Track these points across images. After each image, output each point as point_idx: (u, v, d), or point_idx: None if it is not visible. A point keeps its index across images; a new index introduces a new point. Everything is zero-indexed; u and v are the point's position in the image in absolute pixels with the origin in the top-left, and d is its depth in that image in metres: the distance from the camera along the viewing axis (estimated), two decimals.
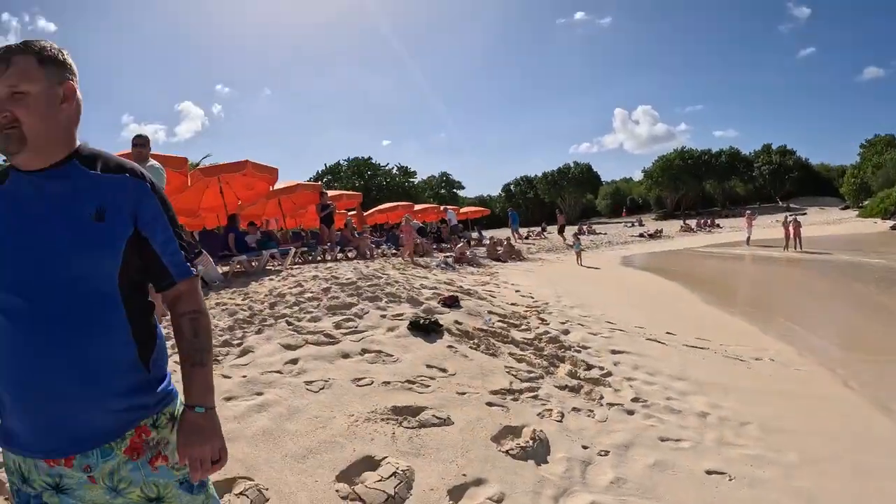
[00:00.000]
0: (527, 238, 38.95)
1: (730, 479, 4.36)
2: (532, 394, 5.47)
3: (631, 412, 5.47)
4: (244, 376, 5.40)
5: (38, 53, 1.74)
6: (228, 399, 4.81)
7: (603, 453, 4.53)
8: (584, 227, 48.95)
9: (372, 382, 5.30)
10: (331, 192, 21.72)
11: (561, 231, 38.60)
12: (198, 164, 35.30)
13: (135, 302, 1.83)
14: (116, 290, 1.78)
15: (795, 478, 4.52)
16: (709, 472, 4.45)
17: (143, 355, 1.81)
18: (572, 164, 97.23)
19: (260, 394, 5.00)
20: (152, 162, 8.53)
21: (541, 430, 4.58)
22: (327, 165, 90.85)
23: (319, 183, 33.03)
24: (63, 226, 1.71)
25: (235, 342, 6.40)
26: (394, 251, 20.54)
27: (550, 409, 5.12)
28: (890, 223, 42.47)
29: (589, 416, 5.22)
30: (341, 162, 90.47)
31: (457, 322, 7.76)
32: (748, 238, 33.14)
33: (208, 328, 1.97)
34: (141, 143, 8.36)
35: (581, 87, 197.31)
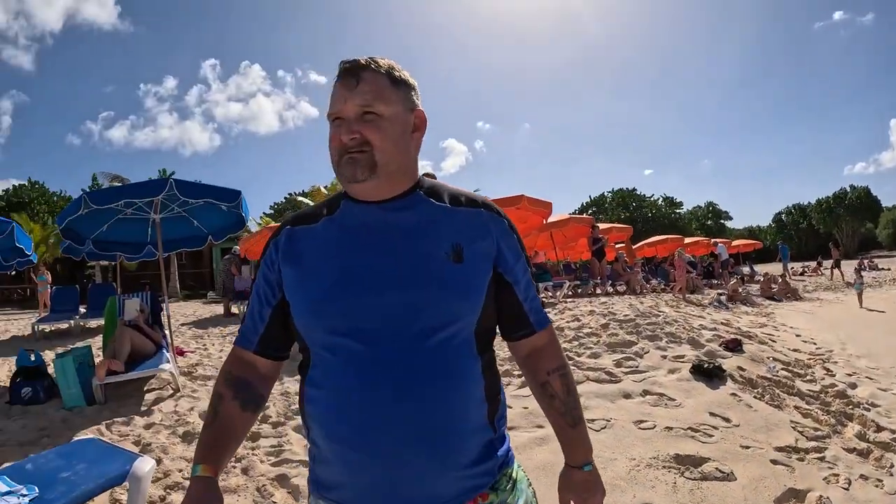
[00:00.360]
0: (802, 274, 36.79)
1: None
2: (818, 454, 5.24)
3: None
4: (525, 408, 5.62)
5: (389, 72, 1.62)
6: (510, 429, 4.93)
7: None
8: (865, 262, 45.30)
9: (654, 426, 5.35)
10: (601, 226, 21.84)
11: (836, 266, 35.83)
12: None
13: (487, 354, 1.66)
14: (473, 341, 1.61)
15: None
16: None
17: (490, 414, 1.63)
18: (849, 189, 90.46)
19: (541, 426, 5.19)
20: None
21: (827, 497, 4.39)
22: (591, 197, 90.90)
23: (591, 216, 33.19)
24: (414, 264, 1.56)
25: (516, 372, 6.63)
26: (663, 286, 20.24)
27: (837, 474, 4.87)
28: None
29: (878, 486, 4.88)
30: (605, 193, 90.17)
31: (740, 368, 7.58)
32: None
33: (574, 381, 1.83)
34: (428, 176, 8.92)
35: (849, 97, 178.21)
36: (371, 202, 1.64)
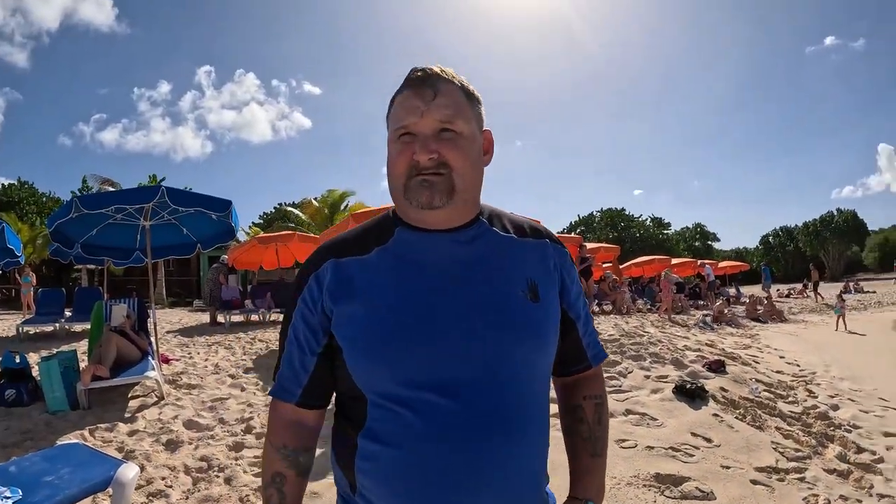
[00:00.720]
0: (787, 296, 36.99)
1: None
2: (798, 475, 5.28)
3: None
4: None
5: (463, 86, 1.45)
6: None
7: None
8: (850, 285, 45.59)
9: (636, 445, 5.39)
10: (588, 245, 21.94)
11: (815, 288, 35.92)
12: None
13: (547, 398, 1.51)
14: (547, 388, 1.50)
15: None
16: None
17: (544, 463, 1.51)
18: (835, 212, 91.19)
19: None
20: None
21: None
22: (580, 216, 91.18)
23: (579, 236, 33.30)
24: (496, 306, 1.39)
25: None
26: (649, 306, 20.33)
27: (817, 495, 4.91)
28: None
29: None
30: (594, 213, 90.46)
31: (722, 389, 7.66)
32: None
33: (608, 415, 1.72)
34: None
35: (839, 122, 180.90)
36: (434, 231, 1.45)
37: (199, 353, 11.63)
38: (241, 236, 36.36)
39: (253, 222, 51.29)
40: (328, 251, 1.51)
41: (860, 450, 6.43)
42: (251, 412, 6.67)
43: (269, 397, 1.58)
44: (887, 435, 7.15)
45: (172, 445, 5.64)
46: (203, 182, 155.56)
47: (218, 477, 4.88)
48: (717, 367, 8.77)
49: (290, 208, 44.12)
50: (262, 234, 23.42)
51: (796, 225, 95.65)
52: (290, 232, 21.76)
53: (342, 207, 37.25)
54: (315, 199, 38.88)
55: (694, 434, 5.82)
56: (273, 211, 57.56)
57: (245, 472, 5.01)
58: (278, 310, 18.37)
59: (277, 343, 1.67)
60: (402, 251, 1.45)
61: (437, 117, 1.37)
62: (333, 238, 1.55)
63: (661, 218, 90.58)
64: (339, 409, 1.55)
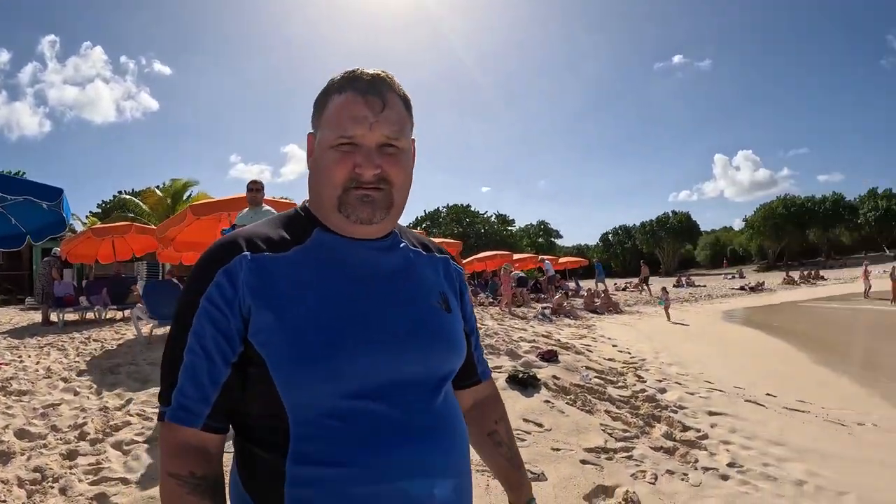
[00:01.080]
0: (624, 289, 38.59)
1: None
2: (626, 454, 5.53)
3: (725, 477, 5.47)
4: None
5: (403, 96, 1.38)
6: None
7: None
8: (683, 279, 48.17)
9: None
10: (433, 241, 22.15)
11: (644, 282, 37.74)
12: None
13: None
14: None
15: None
16: None
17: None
18: (671, 213, 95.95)
19: None
20: (267, 207, 8.97)
21: (633, 492, 4.63)
22: (426, 212, 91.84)
23: (423, 231, 33.49)
24: (420, 315, 1.38)
25: None
26: (491, 300, 20.73)
27: (644, 471, 5.17)
28: None
29: (683, 479, 5.24)
30: (441, 208, 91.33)
31: (554, 377, 7.87)
32: (866, 291, 32.17)
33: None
34: (256, 188, 8.79)
35: (681, 133, 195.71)
36: (355, 238, 1.37)
37: (30, 357, 10.89)
38: (78, 227, 34.72)
39: (91, 211, 48.96)
40: (235, 245, 1.31)
41: (686, 428, 6.78)
42: (84, 417, 6.35)
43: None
44: (711, 413, 7.59)
45: (4, 457, 5.32)
46: (39, 164, 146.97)
47: (52, 488, 4.64)
48: (550, 357, 9.04)
49: (130, 197, 41.98)
50: (97, 225, 22.30)
51: (635, 224, 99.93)
52: (126, 223, 20.75)
53: (185, 198, 36.03)
54: (157, 187, 37.57)
55: (526, 420, 5.95)
56: (113, 199, 54.15)
57: (80, 480, 4.74)
58: (115, 306, 17.61)
59: (163, 355, 1.33)
60: (324, 254, 1.35)
61: (384, 132, 1.30)
62: (237, 231, 1.37)
63: (505, 215, 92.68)
64: (245, 432, 1.33)
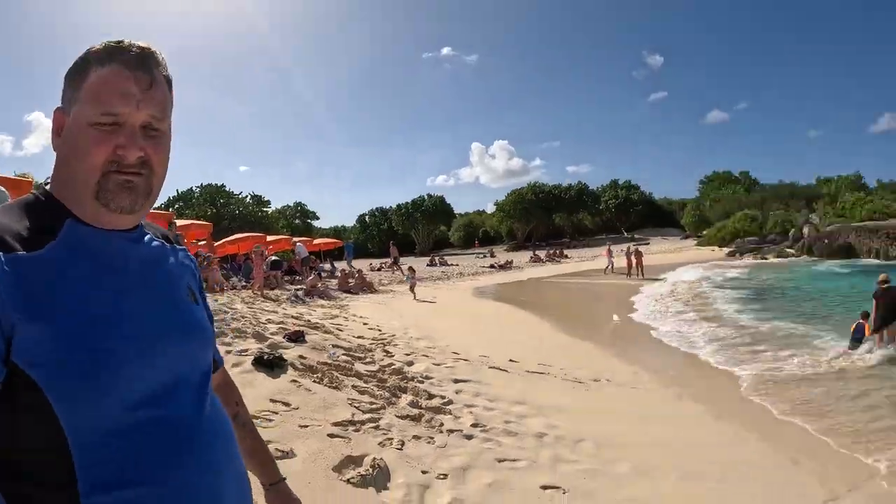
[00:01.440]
0: (379, 270, 39.10)
1: (564, 493, 4.71)
2: (374, 424, 5.63)
3: (470, 437, 5.71)
4: None
5: (167, 77, 1.26)
6: None
7: (441, 477, 4.75)
8: (437, 259, 49.58)
9: None
10: (180, 222, 21.34)
11: (395, 263, 38.70)
12: (45, 184, 34.14)
13: None
14: None
15: (626, 486, 4.94)
16: (544, 488, 4.78)
17: None
18: (426, 196, 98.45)
19: None
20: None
21: (381, 459, 4.74)
22: (179, 192, 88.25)
23: (170, 212, 32.21)
24: (176, 308, 1.28)
25: None
26: (244, 284, 20.27)
27: (391, 438, 5.30)
28: (726, 250, 50.40)
29: (429, 442, 5.42)
30: (194, 188, 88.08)
31: (301, 357, 7.85)
32: (607, 268, 36.22)
33: None
34: None
35: (443, 121, 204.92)
36: (109, 229, 1.21)
37: None
38: None
39: None
40: None
41: (431, 396, 7.02)
42: None
43: None
44: (456, 381, 7.93)
45: None
46: None
47: None
48: (297, 337, 9.02)
49: None
50: None
51: (391, 206, 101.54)
52: None
53: None
54: None
55: (273, 401, 5.88)
56: None
57: None
58: None
59: None
60: (82, 250, 1.15)
61: (149, 112, 1.17)
62: None
63: (261, 196, 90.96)
64: (18, 477, 1.05)
